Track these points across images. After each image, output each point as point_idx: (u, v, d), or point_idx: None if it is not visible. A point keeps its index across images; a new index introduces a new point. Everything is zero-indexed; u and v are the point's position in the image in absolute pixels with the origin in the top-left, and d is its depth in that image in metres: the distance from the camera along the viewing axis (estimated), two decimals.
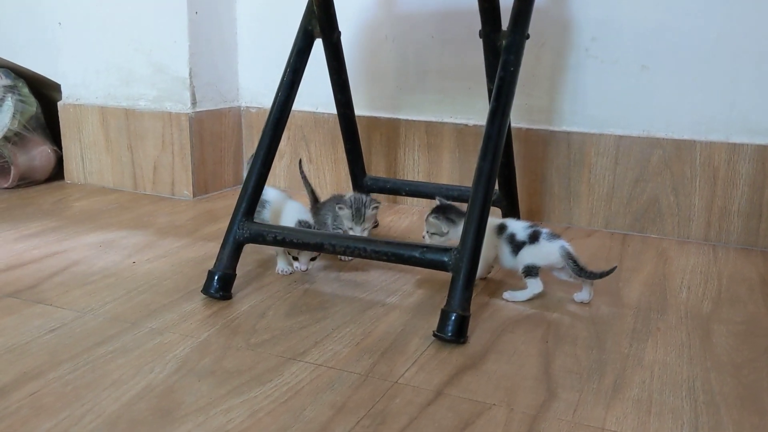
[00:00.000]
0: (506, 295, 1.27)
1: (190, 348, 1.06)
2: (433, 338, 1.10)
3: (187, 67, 1.84)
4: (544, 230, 1.27)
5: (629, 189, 1.68)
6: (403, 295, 1.29)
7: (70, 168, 2.06)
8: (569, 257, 1.23)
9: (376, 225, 1.70)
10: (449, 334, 1.08)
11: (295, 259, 1.34)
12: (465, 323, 1.09)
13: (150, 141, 1.91)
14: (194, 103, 1.88)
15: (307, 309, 1.22)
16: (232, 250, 1.27)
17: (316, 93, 1.82)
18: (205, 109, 1.91)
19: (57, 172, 2.08)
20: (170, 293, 1.27)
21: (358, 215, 1.38)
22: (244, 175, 1.32)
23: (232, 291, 1.27)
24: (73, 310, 1.19)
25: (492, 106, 1.17)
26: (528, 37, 1.23)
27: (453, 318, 1.09)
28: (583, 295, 1.26)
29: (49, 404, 0.89)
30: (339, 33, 1.49)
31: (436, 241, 1.31)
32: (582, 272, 1.22)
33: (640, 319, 1.20)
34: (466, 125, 1.79)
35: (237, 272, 1.28)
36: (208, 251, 1.49)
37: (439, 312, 1.11)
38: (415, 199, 1.87)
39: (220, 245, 1.27)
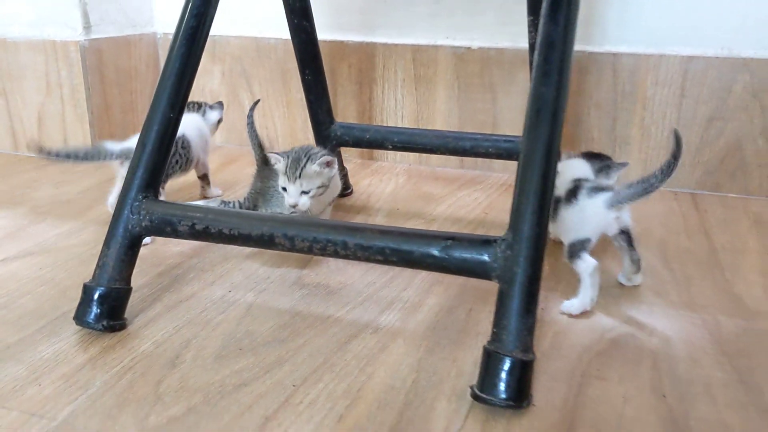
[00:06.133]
0: (565, 306, 0.80)
1: None
2: (472, 400, 0.63)
3: None
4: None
5: (700, 131, 1.22)
6: (406, 309, 0.81)
7: None
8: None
9: (349, 192, 1.21)
10: (503, 395, 0.61)
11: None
12: (528, 373, 0.62)
13: (30, 82, 1.41)
14: (88, 27, 1.36)
15: (252, 345, 0.73)
16: (123, 248, 0.77)
17: (258, 9, 1.42)
18: (104, 36, 1.40)
19: None
20: (24, 322, 0.77)
21: (292, 167, 0.89)
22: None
23: (127, 315, 0.77)
24: None
25: None
26: None
27: (508, 366, 0.61)
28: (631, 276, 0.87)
29: None
30: None
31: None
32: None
33: None
34: (469, 48, 1.29)
35: (135, 279, 0.78)
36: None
37: (473, 343, 0.71)
38: (399, 153, 1.38)
39: None
